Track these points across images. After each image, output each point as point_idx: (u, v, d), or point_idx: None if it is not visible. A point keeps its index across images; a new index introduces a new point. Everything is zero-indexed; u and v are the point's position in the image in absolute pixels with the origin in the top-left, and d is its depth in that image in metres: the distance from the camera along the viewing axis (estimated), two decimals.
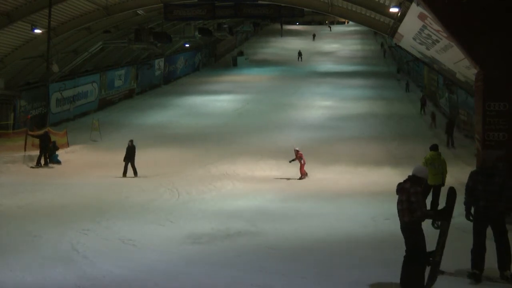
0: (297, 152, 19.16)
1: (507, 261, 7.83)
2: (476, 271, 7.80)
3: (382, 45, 61.01)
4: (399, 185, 7.53)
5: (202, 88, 42.88)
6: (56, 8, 23.65)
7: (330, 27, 78.25)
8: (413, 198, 7.20)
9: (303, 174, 18.72)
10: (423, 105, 32.61)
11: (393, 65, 52.26)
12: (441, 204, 12.01)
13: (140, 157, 22.32)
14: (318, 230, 11.31)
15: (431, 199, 12.50)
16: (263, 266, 8.86)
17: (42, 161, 21.43)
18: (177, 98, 38.59)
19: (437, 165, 12.38)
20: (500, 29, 11.43)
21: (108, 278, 8.50)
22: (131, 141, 20.39)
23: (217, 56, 58.46)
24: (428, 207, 12.10)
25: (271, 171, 19.71)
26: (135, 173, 19.46)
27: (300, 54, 57.10)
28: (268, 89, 40.97)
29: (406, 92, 39.90)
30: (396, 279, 7.81)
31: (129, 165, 19.57)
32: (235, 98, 37.92)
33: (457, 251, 8.71)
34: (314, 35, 69.98)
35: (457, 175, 17.44)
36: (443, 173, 12.45)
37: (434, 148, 12.75)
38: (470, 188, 8.03)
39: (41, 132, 22.98)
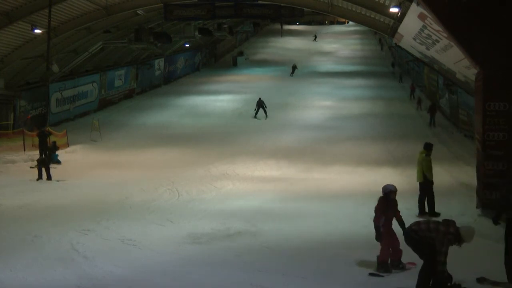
0: (393, 199, 8.93)
1: None
2: None
3: (380, 40, 61.69)
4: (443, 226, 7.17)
5: (202, 88, 42.87)
6: (56, 8, 23.68)
7: (316, 36, 67.91)
8: (443, 248, 7.07)
9: (399, 260, 8.74)
10: (412, 91, 36.87)
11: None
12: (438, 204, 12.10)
13: (140, 157, 22.41)
14: (318, 230, 11.30)
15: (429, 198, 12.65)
16: (263, 266, 8.86)
17: None
18: (177, 98, 38.57)
19: (418, 162, 12.99)
20: (500, 29, 11.43)
21: (108, 278, 8.50)
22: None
23: (217, 56, 58.45)
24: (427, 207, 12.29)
25: (271, 171, 19.70)
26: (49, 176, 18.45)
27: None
28: (268, 89, 40.92)
29: (399, 83, 43.37)
30: (396, 278, 7.82)
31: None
32: (235, 98, 37.90)
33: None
34: (294, 67, 47.87)
35: (457, 175, 17.47)
36: (422, 171, 12.80)
37: (424, 146, 13.22)
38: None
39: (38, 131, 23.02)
